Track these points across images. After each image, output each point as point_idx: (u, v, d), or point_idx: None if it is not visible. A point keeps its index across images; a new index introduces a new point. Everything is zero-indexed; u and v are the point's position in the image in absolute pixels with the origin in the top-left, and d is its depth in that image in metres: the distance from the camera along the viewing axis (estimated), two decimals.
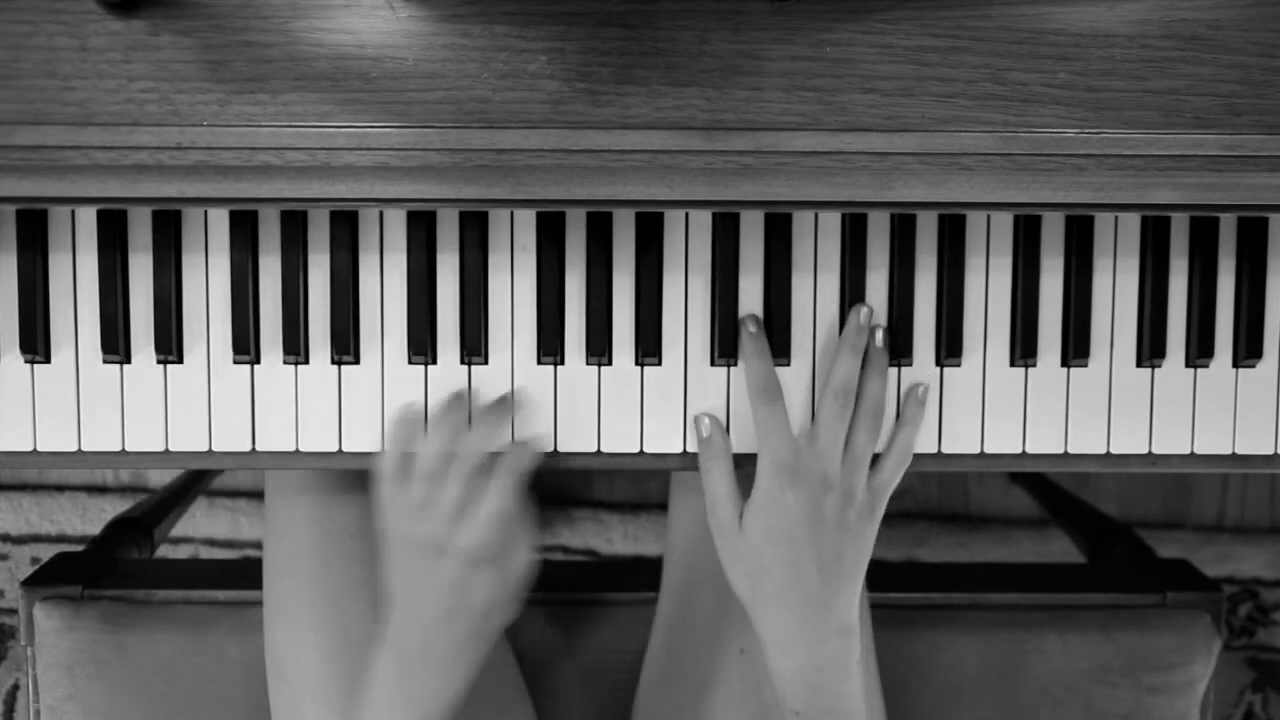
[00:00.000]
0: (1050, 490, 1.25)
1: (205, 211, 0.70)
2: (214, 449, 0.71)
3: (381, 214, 0.71)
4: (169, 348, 0.70)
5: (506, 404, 0.71)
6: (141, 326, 0.71)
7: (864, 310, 0.70)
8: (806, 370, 0.72)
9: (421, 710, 0.69)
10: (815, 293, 0.72)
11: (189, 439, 0.71)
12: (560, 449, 0.72)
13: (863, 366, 0.70)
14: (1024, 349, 0.72)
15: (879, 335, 0.71)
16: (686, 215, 0.71)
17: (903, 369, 0.72)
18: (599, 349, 0.71)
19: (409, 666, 0.68)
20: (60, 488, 1.46)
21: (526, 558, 0.70)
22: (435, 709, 0.69)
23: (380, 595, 0.76)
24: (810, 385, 0.72)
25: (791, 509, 0.67)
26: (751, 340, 0.70)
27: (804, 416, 0.72)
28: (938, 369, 0.73)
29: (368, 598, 0.76)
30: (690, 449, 0.72)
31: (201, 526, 1.45)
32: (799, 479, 0.67)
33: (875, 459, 0.70)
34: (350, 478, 0.77)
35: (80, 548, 0.96)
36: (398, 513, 0.69)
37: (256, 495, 1.46)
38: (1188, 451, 0.73)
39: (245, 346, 0.70)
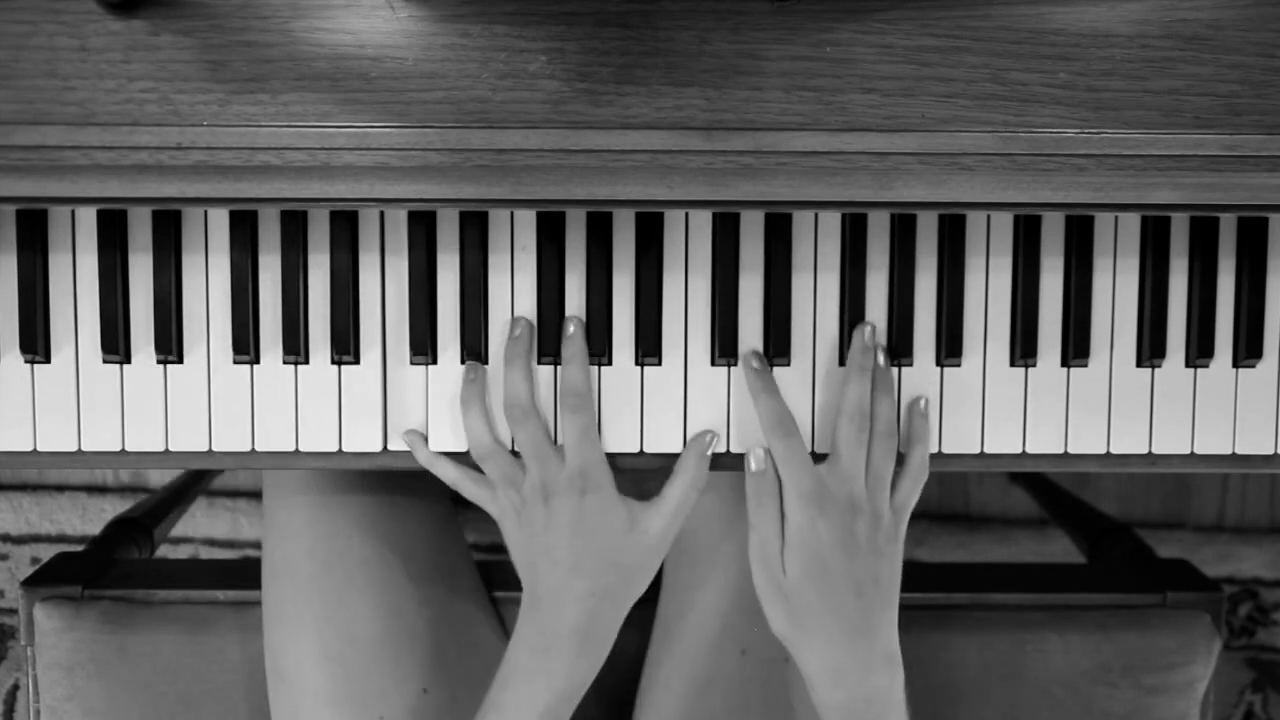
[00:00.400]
0: (1050, 490, 1.25)
1: (205, 211, 0.70)
2: (214, 449, 0.71)
3: (381, 214, 0.71)
4: (169, 348, 0.70)
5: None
6: (141, 326, 0.71)
7: (868, 329, 0.71)
8: (807, 370, 0.72)
9: (553, 686, 0.68)
10: (815, 293, 0.72)
11: (189, 439, 0.71)
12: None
13: (870, 389, 0.70)
14: (1024, 349, 0.72)
15: (880, 356, 0.71)
16: (686, 215, 0.71)
17: (903, 369, 0.72)
18: (599, 349, 0.71)
19: (543, 640, 0.68)
20: (60, 488, 1.46)
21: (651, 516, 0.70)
22: (567, 686, 0.68)
23: (381, 596, 0.76)
24: (811, 385, 0.72)
25: (824, 537, 0.67)
26: (757, 377, 0.70)
27: (806, 418, 0.72)
28: (938, 369, 0.73)
29: (367, 598, 0.76)
30: None
31: (201, 526, 1.45)
32: (827, 506, 0.67)
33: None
34: (349, 477, 0.77)
35: (80, 548, 0.96)
36: (499, 491, 0.70)
37: (256, 495, 1.46)
38: (1188, 451, 0.73)
39: (245, 346, 0.70)
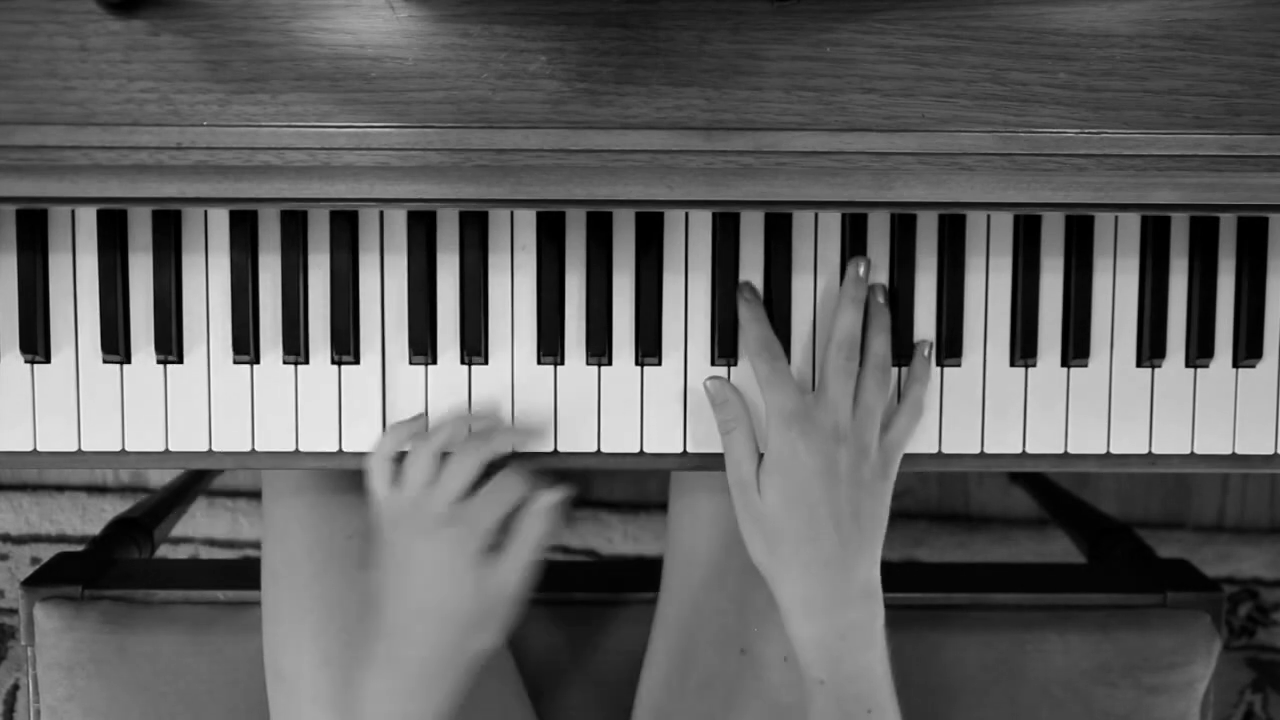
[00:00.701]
0: (1050, 490, 1.25)
1: (205, 211, 0.70)
2: (214, 449, 0.71)
3: (381, 214, 0.71)
4: (169, 348, 0.70)
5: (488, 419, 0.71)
6: (141, 326, 0.71)
7: (862, 262, 0.70)
8: (807, 370, 0.72)
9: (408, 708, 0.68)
10: (815, 293, 0.72)
11: (189, 439, 0.71)
12: (560, 449, 0.72)
13: (866, 325, 0.70)
14: (1024, 349, 0.72)
15: (879, 293, 0.71)
16: (686, 215, 0.71)
17: (903, 369, 0.72)
18: (599, 349, 0.71)
19: (403, 681, 0.68)
20: (60, 488, 1.46)
21: (525, 551, 0.69)
22: (431, 707, 0.68)
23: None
24: (811, 385, 0.72)
25: (805, 462, 0.66)
26: (749, 307, 0.70)
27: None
28: (938, 369, 0.73)
29: (366, 599, 0.76)
30: (691, 449, 0.72)
31: (201, 526, 1.45)
32: (810, 430, 0.66)
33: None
34: (347, 478, 0.77)
35: (80, 548, 0.96)
36: (393, 498, 0.69)
37: (256, 495, 1.46)
38: (1188, 451, 0.74)
39: (245, 346, 0.70)
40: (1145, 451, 0.73)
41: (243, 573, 0.87)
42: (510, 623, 0.70)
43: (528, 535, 0.69)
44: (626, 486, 1.46)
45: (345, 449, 0.71)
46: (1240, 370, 0.73)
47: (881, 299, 0.71)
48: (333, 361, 0.71)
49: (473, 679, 0.69)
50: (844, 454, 0.67)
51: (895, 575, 0.89)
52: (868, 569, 0.67)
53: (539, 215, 0.71)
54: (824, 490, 0.66)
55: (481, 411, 0.71)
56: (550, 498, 0.69)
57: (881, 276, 0.72)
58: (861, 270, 0.70)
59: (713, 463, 0.73)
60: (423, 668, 0.68)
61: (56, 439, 0.71)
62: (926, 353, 0.71)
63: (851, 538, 0.66)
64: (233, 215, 0.70)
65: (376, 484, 0.69)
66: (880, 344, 0.69)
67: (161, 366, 0.71)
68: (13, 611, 1.47)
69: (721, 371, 0.72)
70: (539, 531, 0.69)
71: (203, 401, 0.71)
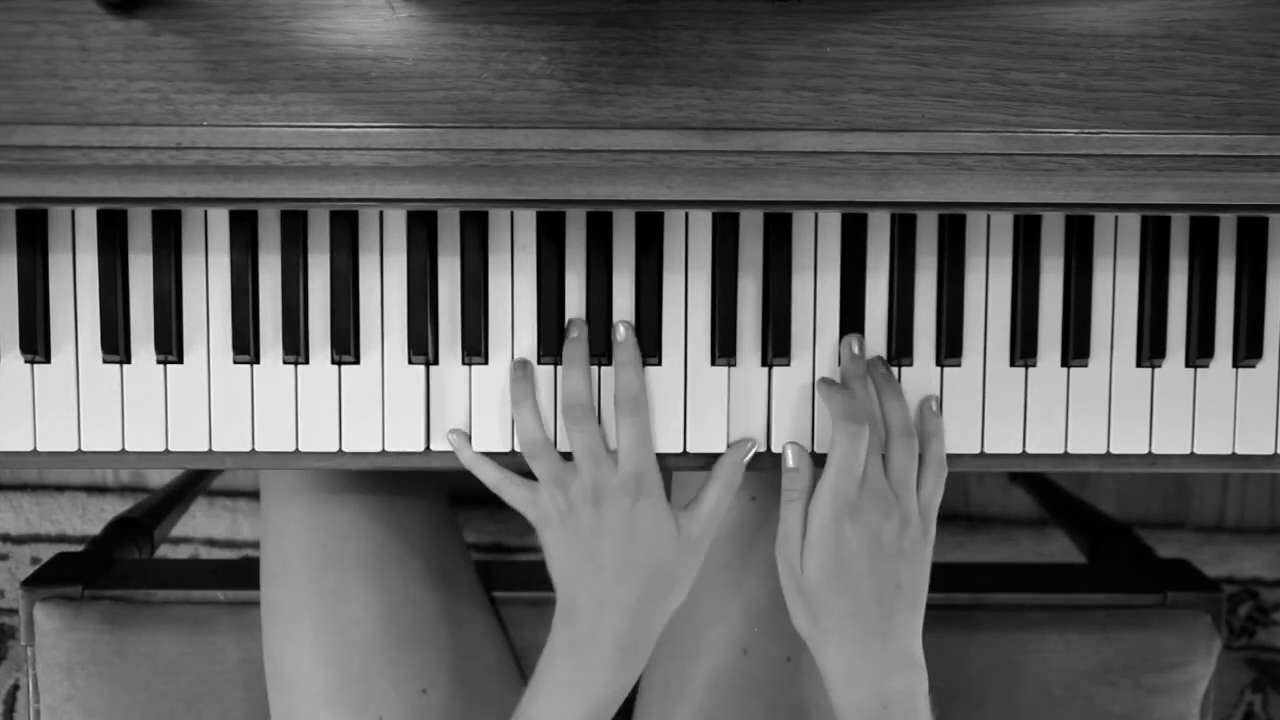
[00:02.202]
0: (1050, 490, 1.25)
1: (205, 211, 0.70)
2: (214, 449, 0.71)
3: (381, 214, 0.71)
4: (169, 348, 0.70)
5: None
6: (141, 326, 0.71)
7: (854, 342, 0.71)
8: (807, 370, 0.72)
9: (591, 697, 0.68)
10: (815, 293, 0.72)
11: (189, 439, 0.71)
12: (560, 449, 0.72)
13: (879, 395, 0.70)
14: (1024, 349, 0.72)
15: (879, 364, 0.71)
16: (686, 215, 0.71)
17: (903, 369, 0.72)
18: (599, 349, 0.71)
19: (582, 651, 0.68)
20: (60, 488, 1.46)
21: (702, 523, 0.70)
22: (607, 695, 0.68)
23: (378, 597, 0.76)
24: (811, 385, 0.72)
25: (849, 542, 0.67)
26: (854, 363, 0.70)
27: (806, 418, 0.72)
28: (938, 369, 0.73)
29: (365, 599, 0.76)
30: (691, 449, 0.72)
31: (201, 526, 1.45)
32: (857, 515, 0.67)
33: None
34: (345, 478, 0.77)
35: (80, 548, 0.96)
36: (544, 493, 0.69)
37: (256, 495, 1.46)
38: (1188, 451, 0.73)
39: (245, 346, 0.70)
40: (1145, 451, 0.73)
41: (243, 573, 0.87)
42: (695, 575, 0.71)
43: (721, 480, 0.70)
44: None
45: (345, 449, 0.71)
46: (1240, 370, 0.73)
47: (883, 369, 0.71)
48: (333, 361, 0.71)
49: (654, 644, 0.70)
50: (889, 528, 0.68)
51: None
52: (908, 638, 0.68)
53: (539, 215, 0.71)
54: (868, 567, 0.67)
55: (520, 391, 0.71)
56: (745, 444, 0.71)
57: (882, 276, 0.72)
58: (855, 348, 0.71)
59: (709, 463, 0.73)
60: (616, 642, 0.68)
61: (56, 439, 0.71)
62: (935, 407, 0.72)
63: (893, 608, 0.68)
64: (233, 215, 0.70)
65: (513, 496, 0.70)
66: (898, 411, 0.70)
67: (161, 366, 0.71)
68: (13, 611, 1.47)
69: (721, 372, 0.72)
70: (732, 477, 0.70)
71: (203, 401, 0.71)
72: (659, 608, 0.69)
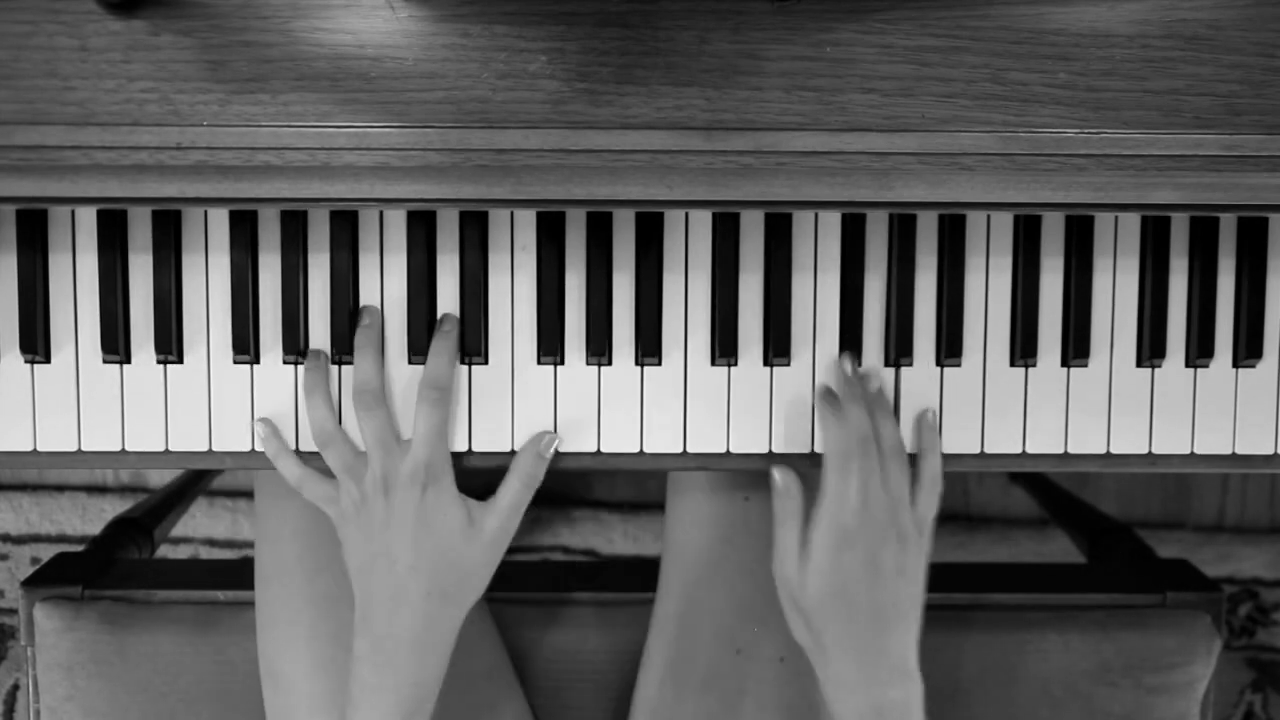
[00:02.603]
0: (1050, 490, 1.25)
1: (205, 211, 0.70)
2: (214, 449, 0.71)
3: (381, 214, 0.71)
4: (169, 348, 0.70)
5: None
6: (141, 326, 0.71)
7: (847, 363, 0.71)
8: (806, 370, 0.72)
9: (402, 699, 0.68)
10: (815, 293, 0.72)
11: (189, 439, 0.71)
12: (560, 449, 0.72)
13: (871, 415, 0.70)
14: (1024, 349, 0.72)
15: (873, 382, 0.71)
16: (686, 215, 0.71)
17: (902, 369, 0.72)
18: (599, 349, 0.71)
19: (382, 653, 0.68)
20: (60, 488, 1.46)
21: (511, 518, 0.70)
22: (415, 695, 0.69)
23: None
24: (811, 385, 0.72)
25: (849, 568, 0.68)
26: (849, 384, 0.70)
27: (805, 418, 0.72)
28: (938, 369, 0.73)
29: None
30: (691, 449, 0.72)
31: (201, 526, 1.45)
32: (856, 540, 0.68)
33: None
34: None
35: (80, 548, 0.96)
36: (340, 484, 0.69)
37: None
38: (1188, 451, 0.73)
39: (245, 346, 0.70)
40: (1145, 451, 0.73)
41: (243, 573, 0.86)
42: (493, 572, 0.71)
43: (520, 474, 0.70)
44: (626, 486, 1.46)
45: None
46: (1240, 370, 0.73)
47: (875, 388, 0.71)
48: (333, 361, 0.71)
49: (456, 636, 0.70)
50: (887, 552, 0.68)
51: None
52: (901, 650, 0.69)
53: (539, 215, 0.71)
54: (866, 590, 0.68)
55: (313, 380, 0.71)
56: (548, 437, 0.71)
57: (881, 276, 0.72)
58: (849, 369, 0.71)
59: (712, 463, 0.73)
60: (413, 640, 0.68)
61: (56, 439, 0.71)
62: (931, 419, 0.72)
63: (890, 625, 0.68)
64: (233, 215, 0.70)
65: (312, 491, 0.70)
66: (890, 430, 0.70)
67: (161, 366, 0.71)
68: (13, 611, 1.47)
69: (721, 372, 0.72)
70: (533, 470, 0.71)
71: (203, 401, 0.71)
72: (453, 601, 0.70)
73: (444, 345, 0.70)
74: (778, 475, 0.70)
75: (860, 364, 0.72)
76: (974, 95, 0.62)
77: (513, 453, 0.71)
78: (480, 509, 0.70)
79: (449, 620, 0.70)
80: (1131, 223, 0.72)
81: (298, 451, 0.71)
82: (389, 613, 0.68)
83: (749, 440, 0.72)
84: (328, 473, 0.71)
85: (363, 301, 0.71)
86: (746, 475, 0.76)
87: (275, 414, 0.71)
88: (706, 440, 0.72)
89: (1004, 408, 0.73)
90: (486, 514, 0.70)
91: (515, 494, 0.71)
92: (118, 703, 0.84)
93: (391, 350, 0.71)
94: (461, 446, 0.72)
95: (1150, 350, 0.72)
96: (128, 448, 0.71)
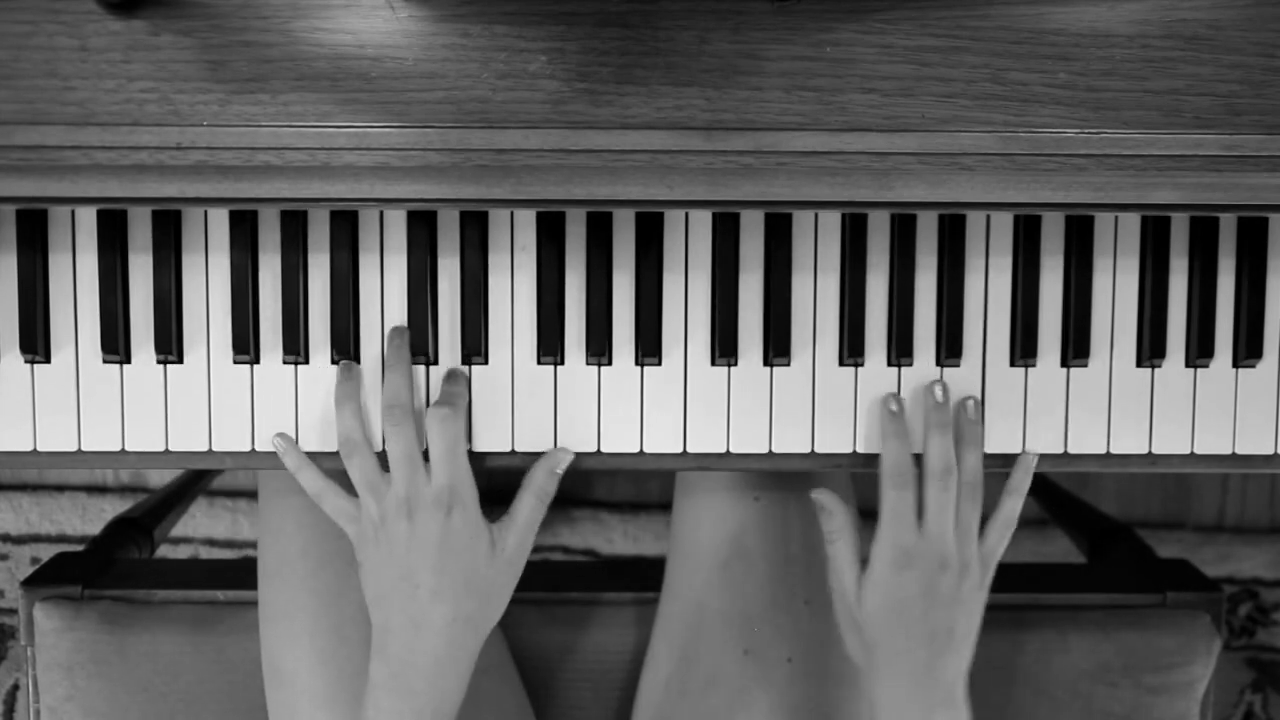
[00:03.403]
0: (1050, 490, 1.25)
1: (205, 211, 0.70)
2: (214, 449, 0.71)
3: (381, 214, 0.71)
4: (169, 348, 0.70)
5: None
6: (141, 326, 0.71)
7: (938, 389, 0.71)
8: (807, 370, 0.72)
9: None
10: (815, 293, 0.72)
11: (189, 439, 0.71)
12: (560, 449, 0.72)
13: (957, 441, 0.71)
14: (1024, 349, 0.72)
15: (970, 407, 0.71)
16: (686, 215, 0.71)
17: (903, 369, 0.72)
18: (599, 349, 0.71)
19: (402, 679, 0.68)
20: (60, 488, 1.46)
21: (519, 533, 0.70)
22: (444, 713, 0.68)
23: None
24: (811, 385, 0.72)
25: (907, 587, 0.68)
26: (893, 420, 0.70)
27: (806, 418, 0.72)
28: (938, 369, 0.73)
29: (360, 598, 0.76)
30: (691, 449, 0.72)
31: (201, 526, 1.45)
32: (916, 561, 0.68)
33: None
34: (342, 478, 0.77)
35: (80, 548, 0.96)
36: (361, 500, 0.69)
37: (256, 495, 1.46)
38: (1188, 451, 0.73)
39: (245, 346, 0.70)
40: (1145, 451, 0.73)
41: (243, 573, 0.87)
42: (512, 593, 0.71)
43: (534, 490, 0.70)
44: (626, 486, 1.46)
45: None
46: (1240, 370, 0.73)
47: (973, 414, 0.71)
48: (333, 361, 0.71)
49: (475, 657, 0.70)
50: (947, 578, 0.68)
51: None
52: (954, 678, 0.69)
53: (539, 215, 0.71)
54: (922, 612, 0.68)
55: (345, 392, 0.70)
56: (562, 455, 0.71)
57: (882, 276, 0.72)
58: (939, 394, 0.71)
59: (712, 463, 0.73)
60: (434, 666, 0.68)
61: (56, 439, 0.71)
62: (1030, 463, 0.72)
63: (944, 651, 0.68)
64: (233, 215, 0.70)
65: (332, 506, 0.70)
66: (973, 460, 0.70)
67: (161, 366, 0.71)
68: (13, 611, 1.47)
69: (721, 372, 0.72)
70: (546, 486, 0.70)
71: (203, 401, 0.71)
72: (476, 626, 0.69)
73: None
74: (818, 496, 0.71)
75: (863, 361, 0.72)
76: (974, 95, 0.62)
77: (512, 453, 0.71)
78: (499, 529, 0.70)
79: (470, 644, 0.69)
80: (1131, 223, 0.72)
81: (306, 453, 0.71)
82: (409, 639, 0.67)
83: (749, 440, 0.72)
84: (347, 485, 0.70)
85: (363, 301, 0.71)
86: (756, 475, 0.76)
87: (275, 414, 0.71)
88: (706, 440, 0.72)
89: (1004, 408, 0.73)
90: (505, 533, 0.70)
91: (530, 510, 0.70)
92: (118, 703, 0.84)
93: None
94: None
95: (1150, 350, 0.72)
96: (128, 448, 0.71)
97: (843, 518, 0.71)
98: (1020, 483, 0.72)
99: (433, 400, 0.71)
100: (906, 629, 0.68)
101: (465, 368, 0.71)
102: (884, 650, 0.69)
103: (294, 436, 0.71)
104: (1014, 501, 0.72)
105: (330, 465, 0.72)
